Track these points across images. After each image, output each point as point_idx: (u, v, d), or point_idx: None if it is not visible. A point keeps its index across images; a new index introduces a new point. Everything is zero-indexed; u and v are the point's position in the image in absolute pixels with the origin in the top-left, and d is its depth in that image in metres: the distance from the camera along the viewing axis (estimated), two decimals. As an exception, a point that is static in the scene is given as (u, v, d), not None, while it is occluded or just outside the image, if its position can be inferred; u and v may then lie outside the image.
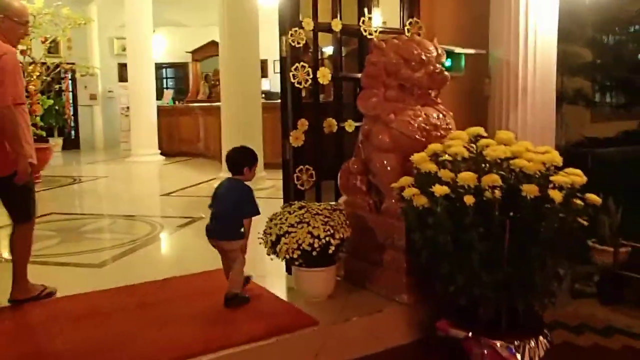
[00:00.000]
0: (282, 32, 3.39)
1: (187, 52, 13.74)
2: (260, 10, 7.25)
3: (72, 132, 14.54)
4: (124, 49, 11.75)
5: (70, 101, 14.41)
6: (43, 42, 8.01)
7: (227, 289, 2.95)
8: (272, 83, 13.19)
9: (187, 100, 13.39)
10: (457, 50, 3.64)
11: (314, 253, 2.82)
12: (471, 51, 3.71)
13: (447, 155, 2.58)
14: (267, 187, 7.16)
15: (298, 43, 3.37)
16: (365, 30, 3.63)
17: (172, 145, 11.88)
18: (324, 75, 3.48)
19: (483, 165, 2.51)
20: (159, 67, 13.65)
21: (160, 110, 11.54)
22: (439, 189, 2.41)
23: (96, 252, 4.27)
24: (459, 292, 2.50)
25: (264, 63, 10.86)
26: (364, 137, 3.24)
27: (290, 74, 3.37)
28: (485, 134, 2.68)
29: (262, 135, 7.27)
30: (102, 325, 2.76)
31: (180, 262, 4.24)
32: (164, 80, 14.94)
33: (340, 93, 3.70)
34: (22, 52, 7.78)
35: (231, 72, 6.99)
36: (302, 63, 3.39)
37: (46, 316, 2.94)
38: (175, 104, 12.83)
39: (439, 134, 2.99)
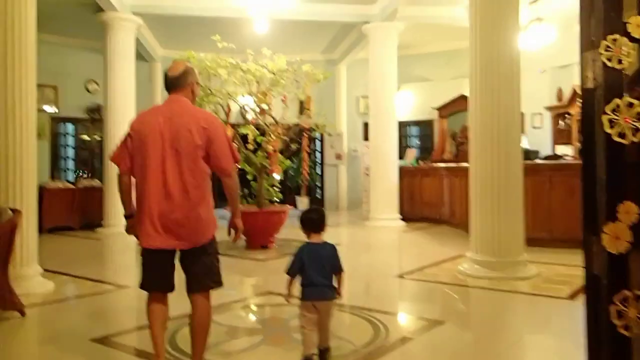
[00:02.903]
0: (588, 45, 1.91)
1: (433, 108, 12.74)
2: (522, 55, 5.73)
3: (318, 192, 14.65)
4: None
5: (318, 161, 14.63)
6: (283, 101, 7.73)
7: (324, 342, 3.13)
8: (529, 140, 11.30)
9: (431, 159, 12.29)
10: None
11: None
12: None
13: None
14: (529, 276, 5.41)
15: (620, 62, 1.84)
16: None
17: (414, 209, 10.78)
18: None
19: None
20: (403, 125, 12.91)
21: (402, 171, 10.61)
22: None
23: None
24: None
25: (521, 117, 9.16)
26: None
27: (605, 118, 1.85)
28: None
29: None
30: None
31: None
32: (408, 139, 14.13)
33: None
34: (262, 112, 7.61)
35: (482, 128, 5.57)
36: (627, 98, 1.84)
37: None
38: (418, 163, 11.82)
39: None
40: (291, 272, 3.12)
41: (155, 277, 2.93)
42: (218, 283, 2.97)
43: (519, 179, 5.58)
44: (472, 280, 5.37)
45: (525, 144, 10.52)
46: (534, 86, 11.17)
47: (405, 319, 4.35)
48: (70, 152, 13.46)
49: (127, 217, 3.02)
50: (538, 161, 8.35)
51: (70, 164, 13.44)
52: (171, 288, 2.97)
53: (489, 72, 5.54)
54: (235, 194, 3.00)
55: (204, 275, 2.92)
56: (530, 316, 4.38)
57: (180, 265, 2.95)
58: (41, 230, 9.42)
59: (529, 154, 9.69)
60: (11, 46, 4.96)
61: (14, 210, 4.32)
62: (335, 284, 3.15)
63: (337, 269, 3.16)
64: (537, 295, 4.81)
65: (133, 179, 2.93)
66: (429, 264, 6.32)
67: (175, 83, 2.97)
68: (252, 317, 4.23)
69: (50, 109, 12.45)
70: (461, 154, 11.92)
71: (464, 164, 8.97)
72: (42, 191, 9.89)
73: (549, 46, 9.99)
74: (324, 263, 3.11)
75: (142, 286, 2.97)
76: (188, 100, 2.98)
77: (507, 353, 3.38)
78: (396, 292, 5.30)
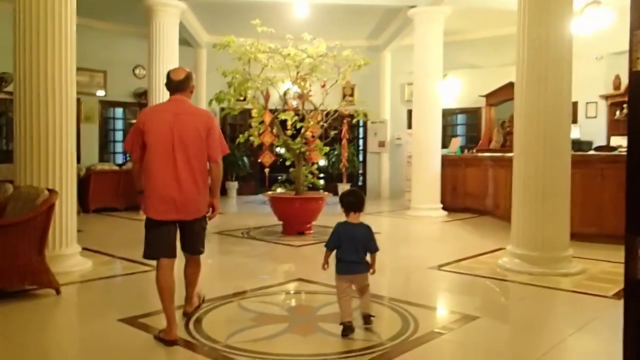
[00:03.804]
0: (639, 22, 1.72)
1: (480, 96, 12.35)
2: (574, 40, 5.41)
3: (360, 179, 14.51)
4: (413, 95, 11.03)
5: (361, 148, 14.48)
6: (322, 87, 7.61)
7: (366, 308, 3.53)
8: (582, 130, 10.81)
9: (477, 149, 11.93)
10: None
11: None
12: None
13: None
14: (573, 272, 5.15)
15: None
16: None
17: (456, 200, 10.50)
18: None
19: None
20: (449, 113, 12.58)
21: (445, 160, 10.32)
22: None
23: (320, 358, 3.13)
24: None
25: (573, 106, 8.76)
26: None
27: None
28: None
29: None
30: None
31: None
32: (454, 127, 13.77)
33: None
34: (300, 97, 7.52)
35: (528, 116, 5.30)
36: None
37: None
38: (463, 152, 11.50)
39: None
40: (329, 246, 3.50)
41: (163, 244, 3.39)
42: (204, 249, 3.67)
43: (567, 171, 5.30)
44: (512, 275, 5.15)
45: (576, 134, 10.08)
46: (589, 73, 10.65)
47: (437, 313, 4.19)
48: (119, 136, 13.80)
49: (139, 192, 3.50)
50: (589, 152, 7.93)
51: (119, 147, 13.79)
52: (175, 254, 3.44)
53: (537, 58, 5.24)
54: (218, 178, 3.56)
55: (197, 241, 3.59)
56: (571, 315, 4.15)
57: (179, 232, 3.50)
58: (87, 210, 9.79)
59: (580, 145, 9.26)
60: (51, 31, 5.04)
61: (50, 191, 4.40)
62: (369, 260, 3.48)
63: (372, 249, 3.48)
64: (580, 293, 4.56)
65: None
66: (469, 256, 6.11)
67: (179, 86, 3.51)
68: (281, 305, 4.17)
69: (100, 92, 12.77)
70: (509, 144, 11.52)
71: (510, 154, 8.65)
72: (89, 173, 10.17)
73: (605, 31, 9.48)
74: (358, 242, 3.43)
75: (148, 256, 3.43)
76: (189, 100, 3.57)
77: (544, 356, 3.19)
78: (432, 284, 5.14)
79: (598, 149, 8.51)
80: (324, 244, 3.56)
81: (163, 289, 3.37)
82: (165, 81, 3.59)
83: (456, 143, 11.68)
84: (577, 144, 8.74)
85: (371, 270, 3.49)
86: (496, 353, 3.31)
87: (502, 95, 11.86)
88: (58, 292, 4.28)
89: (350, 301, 3.42)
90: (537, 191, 5.23)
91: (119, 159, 13.58)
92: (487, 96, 12.24)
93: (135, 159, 3.46)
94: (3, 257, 4.01)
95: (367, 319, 3.51)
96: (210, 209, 3.53)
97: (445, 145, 10.97)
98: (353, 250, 3.41)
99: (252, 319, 3.75)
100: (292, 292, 4.72)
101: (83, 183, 9.88)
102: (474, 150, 11.68)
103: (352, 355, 3.13)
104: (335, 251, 3.48)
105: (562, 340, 3.50)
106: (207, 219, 3.56)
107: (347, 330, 3.34)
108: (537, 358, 3.15)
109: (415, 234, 8.40)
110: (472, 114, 13.33)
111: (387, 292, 4.72)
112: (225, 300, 4.21)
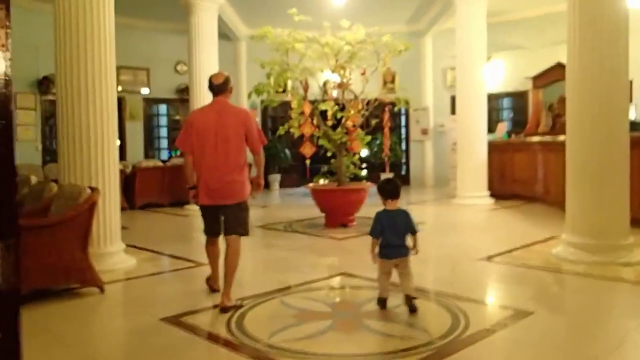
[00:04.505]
0: None
1: (526, 78, 11.86)
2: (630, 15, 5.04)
3: (403, 168, 14.24)
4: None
5: (403, 136, 14.18)
6: (362, 74, 7.42)
7: (408, 290, 3.65)
8: (638, 110, 10.23)
9: (525, 133, 11.48)
10: None
11: None
12: None
13: None
14: (635, 262, 4.83)
15: None
16: None
17: (504, 186, 10.13)
18: None
19: None
20: (494, 97, 12.14)
21: (492, 146, 9.97)
22: None
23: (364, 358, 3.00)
24: None
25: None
26: None
27: None
28: None
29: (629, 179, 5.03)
30: None
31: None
32: (499, 112, 13.30)
33: None
34: (340, 86, 7.36)
35: (581, 97, 4.99)
36: None
37: None
38: (509, 137, 11.09)
39: None
40: (374, 233, 3.72)
41: (210, 225, 4.10)
42: (246, 232, 4.05)
43: (625, 154, 4.97)
44: (568, 265, 4.87)
45: (632, 114, 9.53)
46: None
47: (489, 308, 3.97)
48: (164, 132, 13.99)
49: (190, 188, 4.04)
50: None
51: (164, 144, 13.97)
52: (219, 233, 4.11)
53: (591, 34, 4.91)
54: (261, 164, 4.12)
55: (238, 224, 3.99)
56: (635, 308, 3.88)
57: (223, 216, 4.02)
58: (133, 207, 9.93)
59: (636, 126, 8.74)
60: (90, 30, 5.06)
61: (92, 189, 4.42)
62: (411, 243, 3.71)
63: (412, 231, 3.70)
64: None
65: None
66: (520, 245, 5.83)
67: (220, 88, 4.04)
68: (324, 300, 4.05)
69: (144, 90, 12.95)
70: (558, 127, 11.02)
71: (561, 138, 8.24)
72: (135, 170, 10.33)
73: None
74: (399, 227, 3.68)
75: (205, 232, 4.17)
76: (229, 100, 4.09)
77: (607, 356, 2.95)
78: (482, 276, 4.92)
79: (657, 129, 8.00)
80: (368, 232, 3.77)
81: (210, 255, 4.23)
82: (207, 84, 4.08)
83: (502, 128, 11.28)
84: (632, 125, 8.23)
85: (414, 251, 3.70)
86: (556, 350, 3.09)
87: (550, 76, 11.35)
88: (102, 290, 4.30)
89: (389, 280, 3.71)
90: (593, 175, 4.93)
91: (164, 154, 13.76)
92: (534, 78, 11.71)
93: (188, 151, 3.99)
94: (48, 255, 4.05)
95: (410, 300, 3.63)
96: (256, 185, 4.12)
97: (491, 130, 10.60)
98: (395, 235, 3.65)
99: (294, 315, 3.66)
100: (335, 287, 4.60)
101: (129, 180, 10.05)
102: (522, 135, 11.25)
103: (401, 355, 2.97)
104: (380, 239, 3.69)
105: (626, 333, 3.25)
106: (252, 197, 4.09)
107: (382, 303, 3.67)
108: (604, 354, 2.93)
109: (462, 223, 8.13)
110: (518, 97, 12.83)
111: (433, 285, 4.54)
112: (267, 296, 4.13)
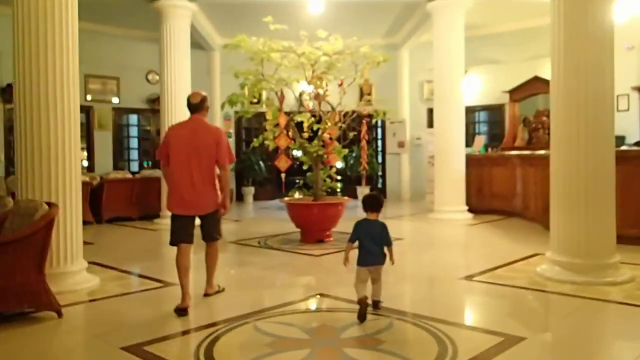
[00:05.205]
0: None
1: (503, 92, 11.86)
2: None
3: (380, 181, 14.07)
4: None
5: (380, 149, 14.03)
6: (340, 86, 7.22)
7: (377, 295, 4.02)
8: (619, 125, 10.22)
9: (501, 147, 11.45)
10: None
11: None
12: None
13: None
14: (622, 281, 4.69)
15: None
16: None
17: (482, 201, 10.02)
18: None
19: None
20: (470, 110, 12.08)
21: (470, 160, 9.86)
22: None
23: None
24: None
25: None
26: None
27: None
28: None
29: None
30: None
31: None
32: (476, 125, 13.27)
33: None
34: (317, 97, 7.14)
35: (566, 113, 4.85)
36: None
37: None
38: (487, 151, 11.02)
39: None
40: (350, 239, 4.00)
41: (181, 233, 4.25)
42: (220, 235, 4.53)
43: (611, 170, 4.84)
44: (553, 285, 4.69)
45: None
46: (619, 64, 10.02)
47: (477, 334, 3.71)
48: (134, 143, 13.56)
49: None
50: (627, 148, 7.43)
51: (134, 155, 13.54)
52: (192, 240, 4.30)
53: (575, 50, 4.78)
54: (227, 182, 4.38)
55: (213, 230, 4.44)
56: (631, 332, 3.71)
57: (199, 224, 4.34)
58: (100, 221, 9.51)
59: (619, 141, 8.73)
60: (51, 36, 4.71)
61: (50, 204, 4.08)
62: (387, 254, 3.96)
63: (387, 244, 3.96)
64: (633, 305, 4.10)
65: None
66: (502, 263, 5.65)
67: (197, 107, 4.38)
68: (301, 326, 3.77)
69: (114, 99, 12.53)
70: (535, 141, 11.02)
71: (539, 152, 8.17)
72: (102, 182, 9.90)
73: (636, 19, 8.96)
74: (375, 236, 3.93)
75: (171, 242, 4.29)
76: (204, 118, 4.42)
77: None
78: (464, 297, 4.71)
79: (636, 144, 7.99)
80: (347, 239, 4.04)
81: (180, 268, 4.19)
82: (186, 103, 4.39)
83: (480, 141, 11.21)
84: (616, 140, 8.24)
85: (391, 261, 3.94)
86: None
87: (527, 90, 11.39)
88: (60, 314, 3.94)
89: (365, 286, 3.89)
90: (578, 191, 4.78)
91: (135, 166, 13.32)
92: (511, 92, 11.74)
93: (164, 164, 4.34)
94: (-1, 277, 3.69)
95: (377, 304, 3.97)
96: (222, 207, 4.36)
97: (467, 144, 10.51)
98: (371, 243, 3.89)
99: (269, 344, 3.37)
100: (312, 309, 4.33)
101: (96, 192, 9.62)
102: (500, 148, 11.20)
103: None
104: (358, 246, 3.93)
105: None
106: (220, 214, 4.40)
107: (362, 303, 3.75)
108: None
109: (440, 238, 7.95)
110: (495, 110, 12.83)
111: (412, 307, 4.32)
112: (240, 320, 3.83)
